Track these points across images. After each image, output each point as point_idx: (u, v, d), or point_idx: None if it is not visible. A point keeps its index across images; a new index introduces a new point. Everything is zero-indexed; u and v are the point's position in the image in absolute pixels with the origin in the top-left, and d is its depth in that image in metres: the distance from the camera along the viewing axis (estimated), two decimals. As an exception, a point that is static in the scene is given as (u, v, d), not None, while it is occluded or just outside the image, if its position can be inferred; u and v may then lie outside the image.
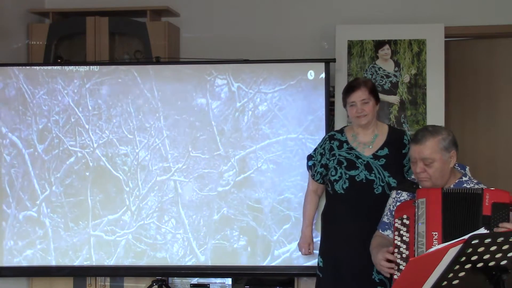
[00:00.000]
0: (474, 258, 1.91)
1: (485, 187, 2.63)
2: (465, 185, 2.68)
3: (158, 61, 4.14)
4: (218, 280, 4.13)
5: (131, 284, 4.23)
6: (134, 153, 3.95)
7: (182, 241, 3.94)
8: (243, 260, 3.90)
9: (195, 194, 3.93)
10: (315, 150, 3.46)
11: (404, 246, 2.56)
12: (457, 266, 1.92)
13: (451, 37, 4.38)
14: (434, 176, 2.62)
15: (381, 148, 3.27)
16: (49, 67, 4.03)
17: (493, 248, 1.90)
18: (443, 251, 1.93)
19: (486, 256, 1.91)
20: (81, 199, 3.96)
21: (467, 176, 2.73)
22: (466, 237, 1.88)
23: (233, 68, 3.93)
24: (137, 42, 4.55)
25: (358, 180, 3.23)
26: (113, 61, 4.45)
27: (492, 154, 4.47)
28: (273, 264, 3.89)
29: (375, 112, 3.32)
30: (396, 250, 2.58)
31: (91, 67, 4.02)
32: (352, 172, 3.24)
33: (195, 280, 4.16)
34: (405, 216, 2.60)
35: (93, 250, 3.95)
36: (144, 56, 4.43)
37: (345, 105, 3.36)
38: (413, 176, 2.84)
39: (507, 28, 4.36)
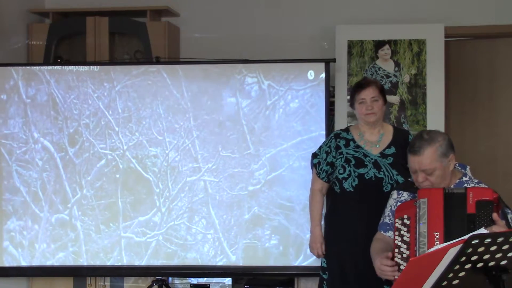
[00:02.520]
0: (474, 258, 1.91)
1: (486, 186, 2.64)
2: (465, 185, 2.68)
3: (158, 61, 4.14)
4: (218, 280, 4.13)
5: (131, 284, 4.23)
6: (164, 154, 3.95)
7: (212, 241, 3.93)
8: (275, 259, 3.88)
9: (225, 194, 3.93)
10: (320, 148, 3.43)
11: (405, 246, 2.56)
12: (457, 266, 1.92)
13: (451, 37, 4.39)
14: (436, 182, 2.62)
15: (388, 147, 3.27)
16: (78, 68, 4.03)
17: (493, 248, 1.90)
18: (443, 251, 1.93)
19: (486, 256, 1.91)
20: (112, 201, 3.97)
21: (468, 176, 2.73)
22: (466, 237, 1.88)
23: (263, 65, 3.93)
24: (137, 42, 4.55)
25: (367, 178, 3.22)
26: (113, 61, 4.45)
27: (492, 154, 4.48)
28: (304, 264, 3.88)
29: (383, 112, 3.33)
30: (396, 250, 2.57)
31: (92, 67, 4.02)
32: (361, 170, 3.23)
33: (195, 280, 4.16)
34: (405, 216, 2.60)
35: (124, 251, 3.95)
36: (144, 56, 4.43)
37: (353, 104, 3.34)
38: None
39: (507, 28, 4.36)
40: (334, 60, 4.02)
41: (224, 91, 3.93)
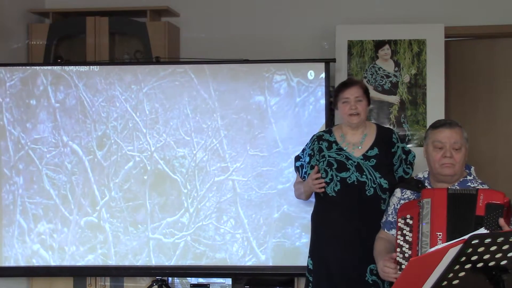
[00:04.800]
0: (474, 258, 1.90)
1: (489, 187, 2.63)
2: (469, 184, 2.68)
3: (158, 61, 4.14)
4: (218, 280, 4.13)
5: (131, 284, 4.23)
6: (192, 155, 3.94)
7: (241, 241, 3.92)
8: (305, 258, 3.78)
9: (254, 193, 3.92)
10: (303, 150, 3.42)
11: (407, 246, 2.55)
12: (457, 266, 1.92)
13: (451, 37, 4.39)
14: (459, 163, 2.62)
15: (371, 148, 3.24)
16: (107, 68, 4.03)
17: (493, 248, 1.89)
18: (443, 251, 1.93)
19: (486, 256, 1.91)
20: (140, 203, 3.97)
21: (472, 176, 2.73)
22: (466, 237, 1.88)
23: (292, 63, 3.92)
24: (137, 42, 4.55)
25: (349, 182, 3.18)
26: (113, 61, 4.45)
27: (492, 154, 4.48)
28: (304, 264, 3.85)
29: (366, 114, 3.31)
30: (398, 250, 2.57)
31: (92, 67, 4.02)
32: (343, 174, 3.20)
33: (195, 280, 4.16)
34: (408, 216, 2.60)
35: (152, 253, 3.95)
36: (144, 56, 4.43)
37: (335, 104, 3.33)
38: (419, 175, 2.83)
39: (507, 28, 4.36)
40: (334, 60, 4.01)
41: (252, 89, 3.92)
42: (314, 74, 3.90)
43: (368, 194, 3.16)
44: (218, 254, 3.92)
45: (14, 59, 4.31)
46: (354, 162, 3.21)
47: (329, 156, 3.26)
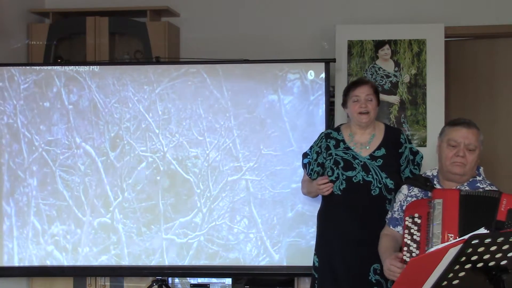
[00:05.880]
0: (474, 258, 1.90)
1: (497, 189, 2.61)
2: (478, 184, 2.66)
3: (158, 61, 4.14)
4: (218, 280, 4.13)
5: (131, 284, 4.23)
6: (205, 155, 3.94)
7: (255, 241, 3.92)
8: None
9: (267, 192, 3.91)
10: (310, 148, 3.42)
11: (415, 245, 2.52)
12: (457, 266, 1.92)
13: (451, 37, 4.39)
14: (470, 164, 2.61)
15: (378, 148, 3.24)
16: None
17: (493, 248, 1.89)
18: (443, 251, 1.93)
19: (486, 256, 1.91)
20: (153, 203, 3.97)
21: (481, 176, 2.71)
22: (466, 237, 1.88)
23: (292, 63, 3.93)
24: (137, 42, 4.56)
25: (355, 181, 3.19)
26: (113, 61, 4.45)
27: (492, 154, 4.47)
28: (304, 264, 3.82)
29: (376, 114, 3.31)
30: (405, 249, 2.54)
31: (92, 67, 4.02)
32: (349, 173, 3.21)
33: (195, 280, 4.16)
34: (416, 215, 2.57)
35: (165, 253, 3.95)
36: (144, 56, 4.43)
37: (345, 103, 3.33)
38: (427, 172, 2.81)
39: (507, 28, 4.36)
40: (334, 60, 4.01)
41: (265, 88, 3.92)
42: (314, 74, 3.90)
43: (373, 194, 3.17)
44: (231, 254, 3.92)
45: (14, 59, 4.31)
46: (361, 161, 3.21)
47: (336, 155, 3.27)
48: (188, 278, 4.15)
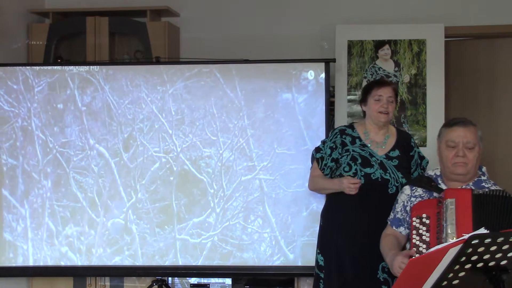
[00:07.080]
0: (474, 258, 1.91)
1: (501, 189, 2.61)
2: (483, 184, 2.66)
3: (158, 61, 4.14)
4: (218, 280, 4.13)
5: (131, 284, 4.24)
6: (218, 155, 3.94)
7: (269, 240, 3.91)
8: None
9: (281, 192, 3.90)
10: (323, 143, 3.39)
11: (424, 246, 2.51)
12: (457, 266, 1.92)
13: (451, 37, 4.39)
14: (472, 162, 2.60)
15: (393, 149, 3.26)
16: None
17: (493, 248, 1.90)
18: (443, 251, 1.93)
19: (486, 256, 1.91)
20: (166, 204, 3.97)
21: (486, 176, 2.71)
22: (466, 237, 1.88)
23: (292, 63, 3.92)
24: (137, 42, 4.56)
25: (374, 178, 3.19)
26: (113, 61, 4.45)
27: (492, 154, 4.47)
28: (304, 264, 3.85)
29: (392, 116, 3.34)
30: (414, 249, 2.53)
31: (92, 67, 4.02)
32: (368, 170, 3.20)
33: (195, 280, 4.16)
34: (424, 215, 2.55)
35: (179, 253, 3.95)
36: (144, 56, 4.43)
37: (365, 100, 3.30)
38: (429, 172, 2.81)
39: (507, 28, 4.36)
40: (334, 60, 4.01)
41: (279, 87, 3.91)
42: (314, 74, 3.89)
43: (390, 192, 3.17)
44: (245, 253, 3.91)
45: (14, 59, 4.31)
46: (378, 159, 3.22)
47: (353, 151, 3.26)
48: (188, 278, 4.15)
